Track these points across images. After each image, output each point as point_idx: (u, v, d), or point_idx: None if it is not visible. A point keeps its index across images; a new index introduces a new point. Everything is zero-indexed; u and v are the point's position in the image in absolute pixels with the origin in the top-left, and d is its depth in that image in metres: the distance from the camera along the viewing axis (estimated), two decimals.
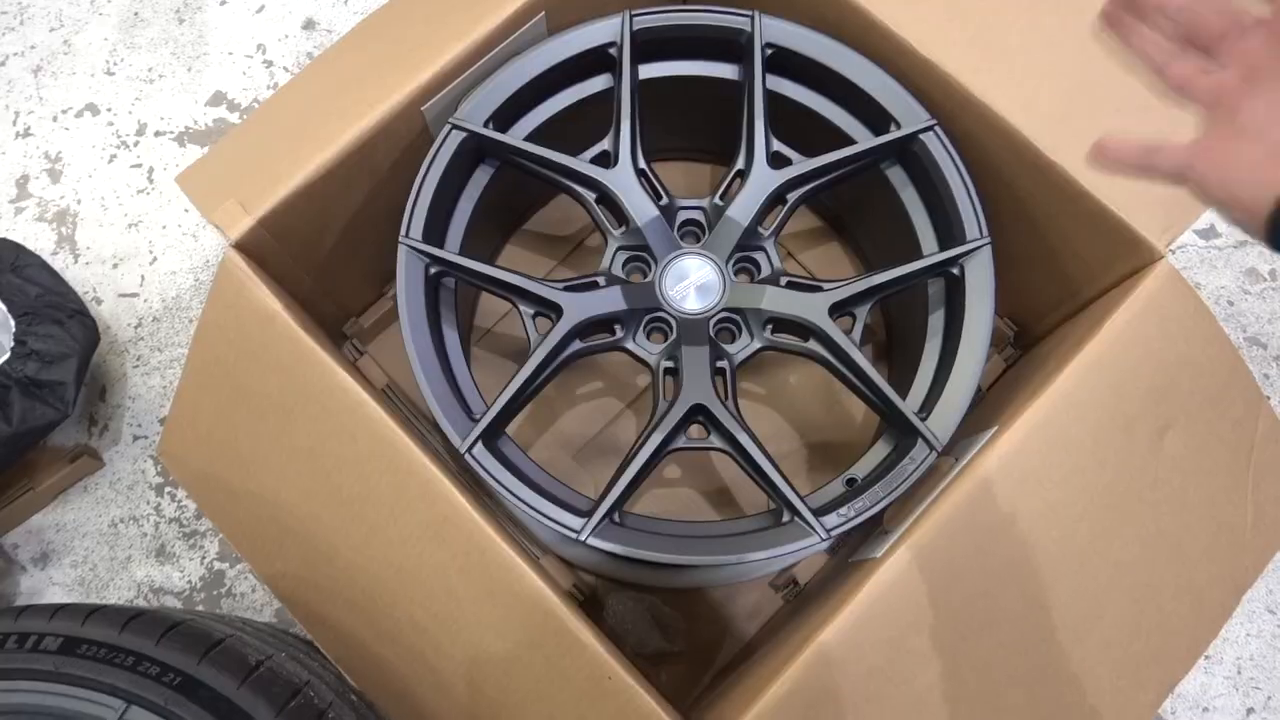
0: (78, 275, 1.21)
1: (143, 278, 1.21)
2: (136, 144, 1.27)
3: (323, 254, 0.92)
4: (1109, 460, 0.77)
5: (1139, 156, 0.47)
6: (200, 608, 1.09)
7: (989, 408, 0.90)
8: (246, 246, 0.82)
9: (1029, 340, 1.02)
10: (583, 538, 0.75)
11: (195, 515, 1.12)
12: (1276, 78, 0.38)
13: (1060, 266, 0.90)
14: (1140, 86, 0.84)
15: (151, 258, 1.22)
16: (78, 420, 1.16)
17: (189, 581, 1.10)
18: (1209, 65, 0.44)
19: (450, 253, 0.83)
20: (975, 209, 0.84)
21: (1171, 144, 0.44)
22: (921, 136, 0.85)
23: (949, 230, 0.85)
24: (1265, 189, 0.37)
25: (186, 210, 1.24)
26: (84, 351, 1.03)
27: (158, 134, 1.27)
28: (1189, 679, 1.08)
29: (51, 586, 1.10)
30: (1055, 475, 0.76)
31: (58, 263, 1.19)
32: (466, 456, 0.77)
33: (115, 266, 1.22)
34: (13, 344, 0.99)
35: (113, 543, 1.11)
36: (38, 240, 1.22)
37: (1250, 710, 1.08)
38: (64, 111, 1.29)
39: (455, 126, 0.84)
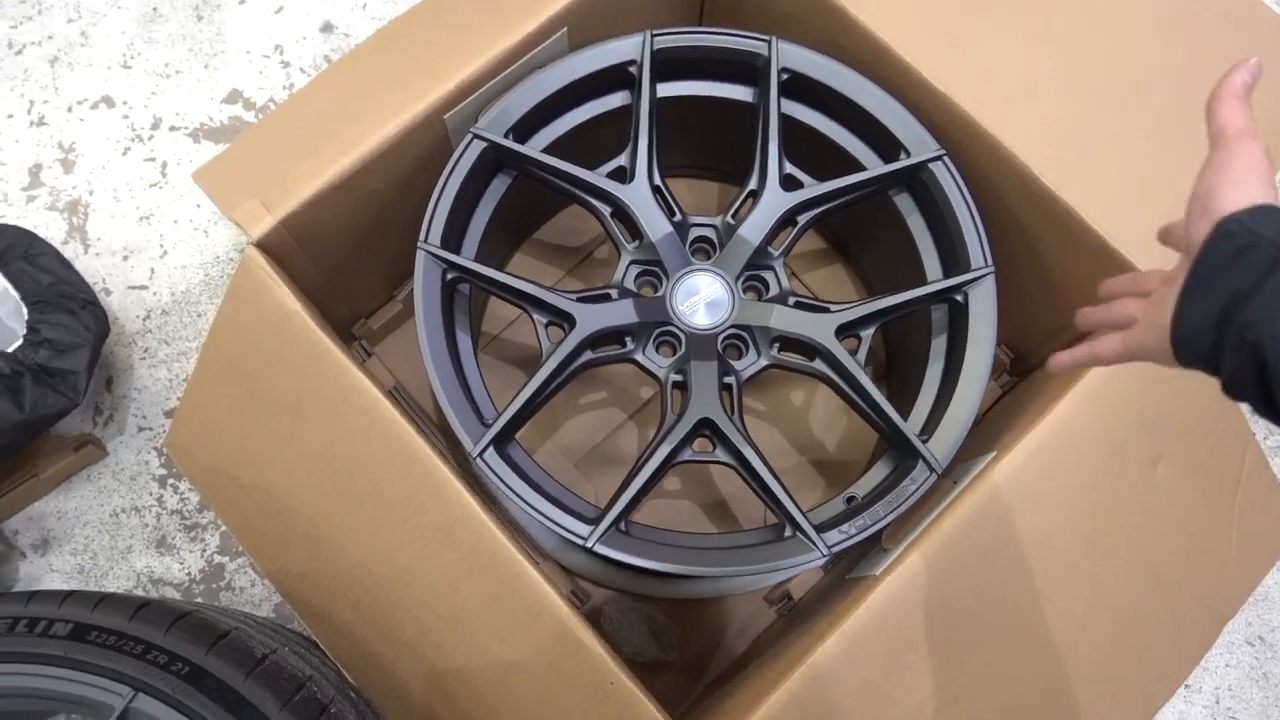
0: (88, 266, 1.22)
1: (152, 271, 1.22)
2: (151, 138, 1.28)
3: (339, 256, 0.94)
4: (1102, 486, 0.79)
5: (1088, 354, 0.61)
6: (199, 600, 1.10)
7: (986, 432, 0.92)
8: (267, 245, 0.83)
9: (1025, 367, 1.04)
10: (590, 545, 0.77)
11: (197, 508, 1.13)
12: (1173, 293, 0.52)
13: (1060, 297, 0.92)
14: (1146, 123, 0.87)
15: (162, 251, 1.23)
16: (83, 410, 1.16)
17: (188, 573, 1.11)
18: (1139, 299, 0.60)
19: (467, 259, 0.85)
20: (980, 238, 0.86)
21: (1110, 337, 0.59)
22: (930, 165, 0.87)
23: (954, 257, 0.88)
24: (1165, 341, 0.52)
25: (198, 206, 1.25)
26: (95, 342, 1.04)
27: (172, 129, 1.29)
28: (1168, 708, 1.10)
29: (51, 573, 1.11)
30: (1050, 499, 0.78)
31: (68, 252, 1.20)
32: (478, 461, 0.79)
33: (125, 259, 1.23)
34: (25, 331, 1.00)
35: (114, 532, 1.12)
36: (49, 229, 1.23)
37: None
38: (79, 102, 1.30)
39: (476, 136, 0.86)
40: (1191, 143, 0.86)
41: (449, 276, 0.85)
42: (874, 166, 0.91)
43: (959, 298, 0.86)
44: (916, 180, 0.89)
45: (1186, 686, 1.10)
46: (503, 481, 0.79)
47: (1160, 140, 0.87)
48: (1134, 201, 0.84)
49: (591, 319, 0.84)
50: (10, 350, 0.99)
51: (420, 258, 0.84)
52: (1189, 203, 0.53)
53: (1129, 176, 0.86)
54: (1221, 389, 0.50)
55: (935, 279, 0.90)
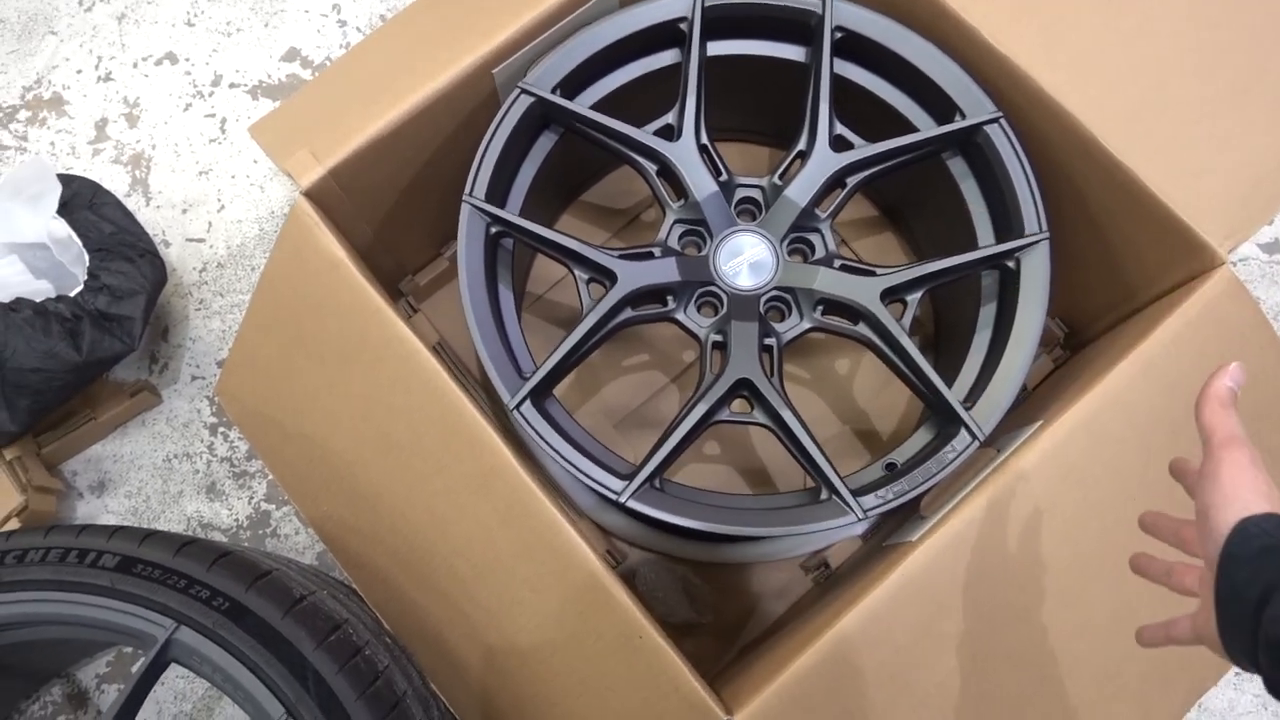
0: (148, 218, 1.25)
1: (210, 224, 1.25)
2: (211, 94, 1.30)
3: (386, 208, 0.95)
4: (1153, 462, 0.77)
5: (1164, 634, 0.61)
6: (245, 546, 1.13)
7: (1034, 405, 0.90)
8: (315, 195, 0.85)
9: (1079, 342, 1.01)
10: (623, 500, 0.77)
11: (246, 456, 1.16)
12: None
13: (1117, 267, 0.89)
14: (1210, 90, 0.83)
15: (219, 205, 1.26)
16: (139, 357, 1.20)
17: (236, 520, 1.14)
18: (1197, 564, 0.58)
19: (511, 214, 0.85)
20: (1036, 203, 0.83)
21: (1182, 618, 0.59)
22: (986, 128, 0.85)
23: (1007, 223, 0.85)
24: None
25: (256, 161, 1.27)
26: (152, 290, 1.06)
27: (232, 86, 1.31)
28: (1217, 693, 1.07)
29: (106, 514, 1.14)
30: (1097, 473, 0.76)
31: (130, 204, 1.22)
32: (514, 413, 0.79)
33: (184, 212, 1.25)
34: (86, 277, 1.03)
35: (166, 477, 1.15)
36: (113, 182, 1.26)
37: None
38: (144, 59, 1.32)
39: (524, 91, 0.86)
40: (1264, 110, 0.83)
41: (493, 230, 0.85)
42: (927, 128, 0.89)
43: (1010, 264, 0.84)
44: (971, 143, 0.87)
45: (1236, 673, 1.07)
46: (538, 434, 0.79)
47: (1231, 107, 0.83)
48: (1201, 170, 0.81)
49: (633, 276, 0.84)
50: (72, 295, 1.02)
51: (465, 210, 0.84)
52: (1196, 517, 0.55)
53: (1196, 144, 0.82)
54: (1266, 689, 0.50)
55: (988, 245, 0.87)
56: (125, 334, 1.03)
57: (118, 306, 1.02)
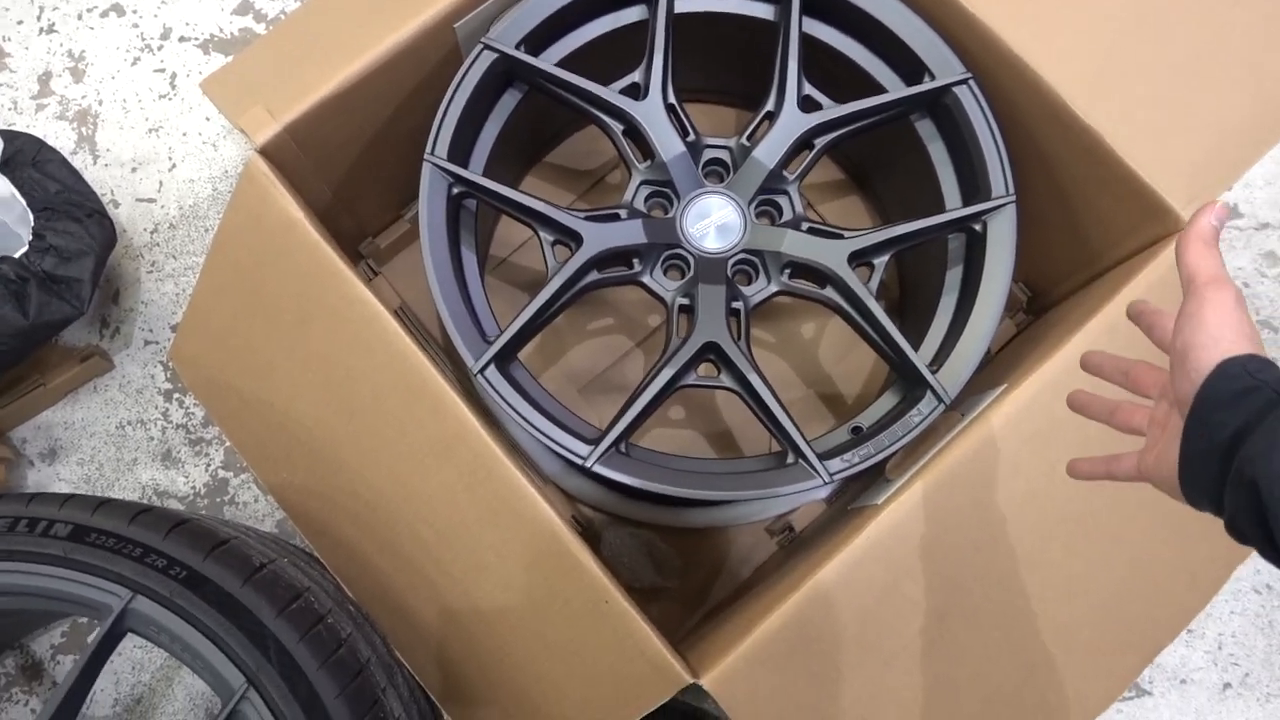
0: (96, 176, 1.21)
1: (161, 183, 1.21)
2: (161, 48, 1.26)
3: (345, 167, 0.92)
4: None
5: (1104, 469, 0.61)
6: (203, 514, 1.11)
7: (997, 368, 0.90)
8: (270, 153, 0.82)
9: (1042, 306, 1.02)
10: (589, 464, 0.76)
11: (202, 422, 1.13)
12: (1175, 431, 0.52)
13: (1081, 231, 0.89)
14: (1175, 54, 0.83)
15: (170, 164, 1.22)
16: (90, 321, 1.16)
17: (193, 487, 1.12)
18: (1146, 404, 0.59)
19: (474, 174, 0.83)
20: (1004, 165, 0.83)
21: (1126, 455, 0.59)
22: (955, 89, 0.84)
23: (974, 186, 0.85)
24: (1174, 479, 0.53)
25: (208, 119, 1.23)
26: (101, 251, 1.03)
27: (182, 39, 1.26)
28: (1169, 651, 1.10)
29: (58, 482, 1.12)
30: (1062, 436, 0.76)
31: (77, 162, 1.18)
32: (479, 378, 0.78)
33: (134, 170, 1.21)
34: (31, 237, 0.99)
35: (120, 444, 1.13)
36: (58, 139, 1.22)
37: (1227, 685, 1.10)
38: (89, 10, 1.27)
39: (487, 47, 0.84)
40: (1228, 76, 0.83)
41: (455, 191, 0.83)
42: (896, 89, 0.88)
43: (977, 227, 0.83)
44: (939, 105, 0.86)
45: (1189, 631, 1.10)
46: (503, 399, 0.78)
47: (1195, 72, 0.83)
48: (1168, 135, 0.81)
49: (599, 238, 0.82)
50: (16, 256, 0.98)
51: (426, 170, 0.82)
52: (1170, 355, 0.54)
53: (1164, 108, 0.82)
54: (1225, 529, 0.50)
55: (954, 208, 0.87)
56: (74, 297, 0.99)
57: (65, 268, 0.99)
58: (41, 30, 1.26)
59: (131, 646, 1.07)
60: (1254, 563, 1.11)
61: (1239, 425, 0.47)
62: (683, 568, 1.02)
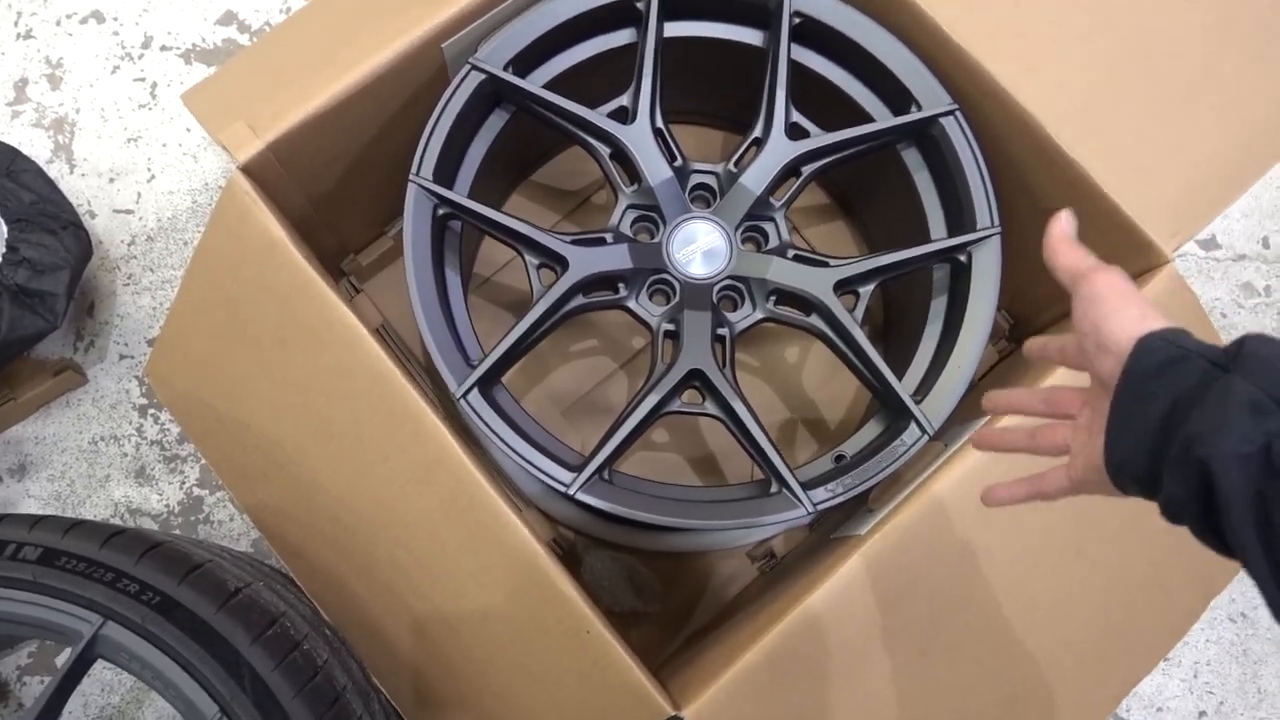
0: (73, 186, 1.19)
1: (139, 195, 1.19)
2: (141, 57, 1.24)
3: (328, 186, 0.91)
4: None
5: (1028, 490, 0.59)
6: (177, 533, 1.09)
7: (980, 398, 0.90)
8: (253, 170, 0.81)
9: (1025, 334, 1.02)
10: (572, 492, 0.75)
11: (177, 439, 1.11)
12: (1101, 418, 0.50)
13: None
14: (1159, 91, 0.84)
15: (149, 175, 1.20)
16: (64, 334, 1.14)
17: (167, 505, 1.10)
18: (1066, 422, 0.58)
19: (460, 195, 0.82)
20: (989, 197, 0.84)
21: (1051, 470, 0.57)
22: (941, 120, 0.85)
23: (960, 217, 0.85)
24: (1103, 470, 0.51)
25: (188, 130, 1.22)
26: (76, 264, 1.01)
27: (164, 49, 1.25)
28: (1146, 679, 1.10)
29: (27, 499, 1.09)
30: (1043, 468, 0.76)
31: (52, 172, 1.16)
32: (461, 402, 0.77)
33: (111, 181, 1.20)
34: (4, 250, 0.98)
35: (92, 460, 1.11)
36: (33, 147, 1.20)
37: (1202, 714, 1.10)
38: (68, 16, 1.25)
39: (475, 67, 0.83)
40: (1211, 112, 0.84)
41: (440, 212, 0.83)
42: (883, 119, 0.88)
43: (962, 258, 0.84)
44: (926, 135, 0.87)
45: (1166, 660, 1.11)
46: (485, 424, 0.77)
47: (1180, 108, 0.84)
48: (1151, 170, 0.82)
49: (585, 262, 0.82)
50: None
51: (411, 191, 0.81)
52: (1082, 342, 0.52)
53: (1148, 144, 0.83)
54: (1160, 512, 0.48)
55: (940, 238, 0.87)
56: (47, 311, 0.98)
57: (39, 281, 0.97)
58: (19, 35, 1.24)
59: (102, 668, 1.05)
60: (1229, 591, 1.12)
61: (1175, 396, 0.45)
62: (663, 592, 1.02)
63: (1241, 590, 1.13)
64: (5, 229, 0.99)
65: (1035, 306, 0.99)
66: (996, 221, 0.83)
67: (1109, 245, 0.84)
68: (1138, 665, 0.80)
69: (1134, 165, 0.82)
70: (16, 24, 1.25)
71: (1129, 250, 0.82)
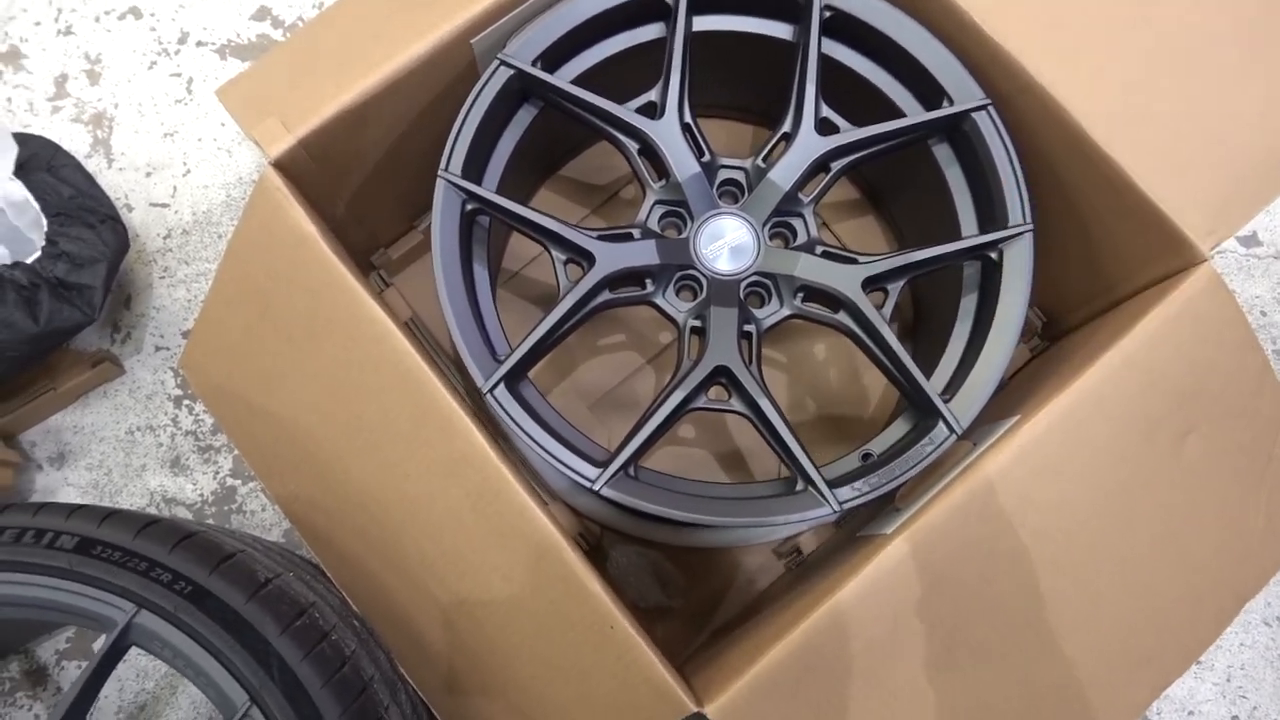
0: (111, 180, 1.21)
1: (175, 189, 1.21)
2: (178, 52, 1.26)
3: (358, 180, 0.92)
4: (1127, 458, 0.77)
5: None
6: (210, 522, 1.11)
7: (1010, 396, 0.89)
8: (284, 166, 0.82)
9: (1056, 332, 1.01)
10: (597, 488, 0.76)
11: (211, 430, 1.13)
12: None
13: (1099, 259, 0.89)
14: (1197, 85, 0.83)
15: (185, 169, 1.22)
16: (101, 326, 1.16)
17: (201, 495, 1.11)
18: None
19: (488, 191, 0.83)
20: (1021, 194, 0.82)
21: None
22: (974, 115, 0.84)
23: (991, 213, 0.84)
24: None
25: (223, 124, 1.23)
26: (114, 257, 1.03)
27: (199, 44, 1.26)
28: (1178, 683, 1.09)
29: (66, 487, 1.12)
30: (1072, 469, 0.76)
31: (91, 166, 1.19)
32: (488, 397, 0.78)
33: (148, 175, 1.22)
34: (44, 243, 1.00)
35: (129, 449, 1.13)
36: (73, 142, 1.22)
37: (1235, 718, 1.08)
38: (106, 13, 1.27)
39: (503, 63, 0.83)
40: (1251, 107, 0.82)
41: (468, 207, 0.83)
42: (915, 113, 0.87)
43: (993, 255, 0.83)
44: (958, 130, 0.86)
45: (1198, 664, 1.09)
46: (512, 419, 0.77)
47: (1219, 102, 0.82)
48: (1188, 166, 0.80)
49: (612, 258, 0.82)
50: (29, 262, 0.99)
51: (440, 186, 0.82)
52: None
53: (1186, 139, 0.81)
54: None
55: (971, 234, 0.86)
56: (85, 304, 0.99)
57: (77, 275, 0.99)
58: (59, 32, 1.27)
59: (136, 654, 1.07)
60: (1264, 595, 1.10)
61: None
62: (688, 587, 1.02)
63: (1278, 593, 1.11)
64: (45, 223, 1.01)
65: (1069, 305, 0.97)
66: (1029, 218, 0.82)
67: (1145, 243, 0.83)
68: (1169, 668, 0.79)
69: (1171, 161, 0.81)
70: (57, 20, 1.27)
71: (1165, 248, 0.81)
